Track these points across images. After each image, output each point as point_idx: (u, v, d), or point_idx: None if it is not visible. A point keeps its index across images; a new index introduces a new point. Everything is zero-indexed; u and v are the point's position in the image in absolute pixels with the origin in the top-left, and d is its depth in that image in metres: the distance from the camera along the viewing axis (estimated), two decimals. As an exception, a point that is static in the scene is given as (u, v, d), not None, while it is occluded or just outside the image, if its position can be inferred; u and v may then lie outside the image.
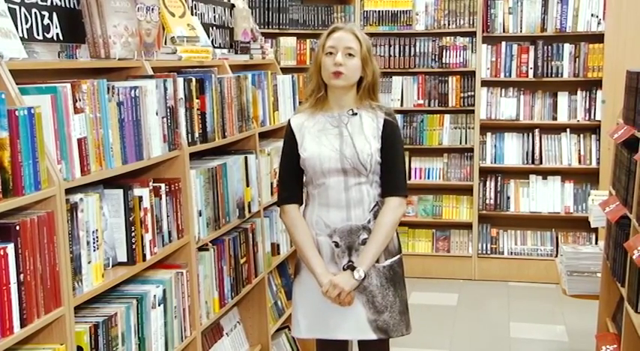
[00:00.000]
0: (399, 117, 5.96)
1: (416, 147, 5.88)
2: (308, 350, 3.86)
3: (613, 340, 3.40)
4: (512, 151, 5.80)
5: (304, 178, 2.76)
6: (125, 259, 2.25)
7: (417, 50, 5.85)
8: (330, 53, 2.64)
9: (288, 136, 2.74)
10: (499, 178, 5.79)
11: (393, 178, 2.70)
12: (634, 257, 2.80)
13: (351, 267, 2.65)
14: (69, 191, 1.94)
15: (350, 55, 2.63)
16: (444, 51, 5.77)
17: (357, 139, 2.66)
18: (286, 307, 3.61)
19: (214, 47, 3.22)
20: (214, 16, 3.41)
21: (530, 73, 5.65)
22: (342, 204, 2.67)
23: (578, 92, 5.63)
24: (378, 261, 2.68)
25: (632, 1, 5.25)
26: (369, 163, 2.65)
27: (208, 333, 2.92)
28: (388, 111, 2.74)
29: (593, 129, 5.62)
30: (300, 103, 3.95)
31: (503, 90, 5.76)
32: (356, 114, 2.69)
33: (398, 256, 2.76)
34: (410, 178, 5.77)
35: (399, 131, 2.77)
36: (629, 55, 5.11)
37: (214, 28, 3.40)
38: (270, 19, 5.82)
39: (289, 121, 2.77)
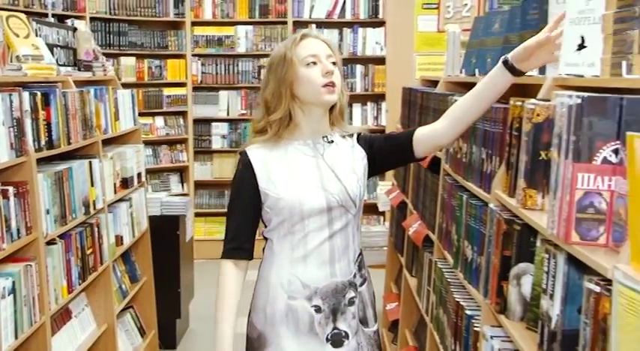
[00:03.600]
0: (225, 126, 6.01)
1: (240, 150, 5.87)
2: (150, 327, 3.79)
3: (395, 299, 3.60)
4: (319, 151, 5.97)
5: (267, 225, 1.86)
6: (-24, 256, 2.10)
7: (240, 69, 5.90)
8: (313, 63, 1.79)
9: (246, 171, 1.83)
10: (309, 173, 5.94)
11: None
12: (409, 233, 2.99)
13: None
14: None
15: (333, 63, 1.82)
16: (262, 69, 5.85)
17: (339, 170, 1.85)
18: (129, 289, 3.52)
19: (59, 65, 3.05)
20: (58, 38, 3.22)
21: (331, 88, 5.86)
22: (324, 256, 1.81)
23: (368, 104, 5.93)
24: (368, 326, 1.91)
25: (404, 32, 5.51)
26: (359, 197, 1.85)
27: (58, 317, 2.78)
28: (358, 132, 1.97)
29: (381, 133, 5.92)
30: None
31: (310, 102, 5.93)
32: (332, 141, 1.88)
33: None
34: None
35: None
36: (405, 74, 5.37)
37: (59, 48, 3.22)
38: (112, 42, 5.59)
39: (245, 153, 1.85)
